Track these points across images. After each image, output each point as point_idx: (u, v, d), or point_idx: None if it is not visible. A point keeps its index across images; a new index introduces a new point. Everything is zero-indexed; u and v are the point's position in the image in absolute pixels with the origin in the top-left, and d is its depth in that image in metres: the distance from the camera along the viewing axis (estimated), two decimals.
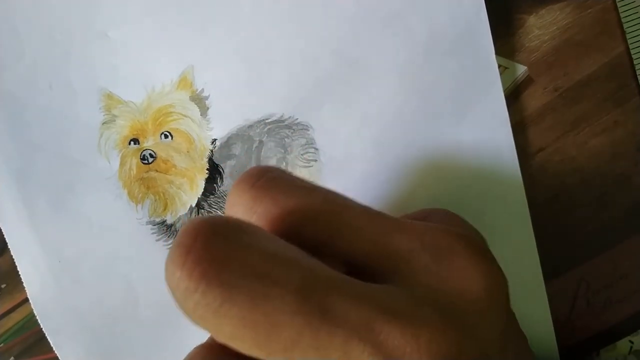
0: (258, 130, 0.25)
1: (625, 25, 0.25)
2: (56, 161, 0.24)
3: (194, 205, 0.25)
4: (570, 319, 0.26)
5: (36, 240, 0.24)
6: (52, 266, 0.24)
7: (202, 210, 0.25)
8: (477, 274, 0.15)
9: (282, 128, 0.25)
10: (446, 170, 0.25)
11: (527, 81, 0.25)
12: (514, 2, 0.25)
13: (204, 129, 0.25)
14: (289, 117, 0.24)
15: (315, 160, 0.25)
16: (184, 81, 0.24)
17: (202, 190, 0.25)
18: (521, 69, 0.25)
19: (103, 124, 0.24)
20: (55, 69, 0.24)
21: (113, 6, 0.24)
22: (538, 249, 0.25)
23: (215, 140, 0.25)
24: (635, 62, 0.25)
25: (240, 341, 0.12)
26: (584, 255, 0.26)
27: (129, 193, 0.25)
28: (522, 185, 0.25)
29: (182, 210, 0.25)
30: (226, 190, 0.25)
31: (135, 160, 0.25)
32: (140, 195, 0.25)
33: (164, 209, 0.25)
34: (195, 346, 0.14)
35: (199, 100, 0.24)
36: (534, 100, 0.25)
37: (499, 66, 0.24)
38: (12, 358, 0.26)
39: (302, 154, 0.25)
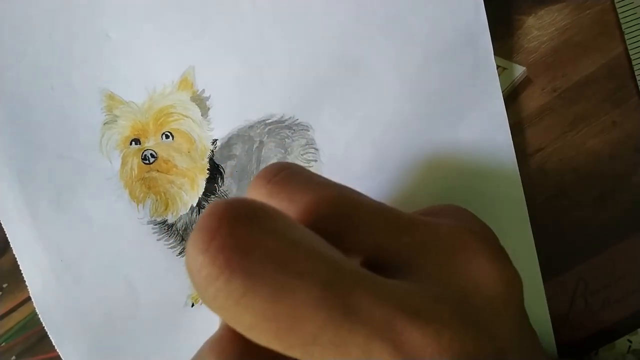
0: (258, 131, 0.25)
1: (623, 26, 0.25)
2: (58, 161, 0.24)
3: (195, 205, 0.25)
4: (568, 318, 0.26)
5: (38, 239, 0.24)
6: (54, 265, 0.25)
7: (203, 211, 0.25)
8: (493, 272, 0.15)
9: (283, 128, 0.25)
10: (445, 170, 0.25)
11: (526, 82, 0.25)
12: (513, 3, 0.25)
13: (204, 129, 0.25)
14: (290, 118, 0.25)
15: (315, 161, 0.25)
16: (185, 82, 0.24)
17: (203, 190, 0.25)
18: (520, 70, 0.25)
19: (104, 124, 0.25)
20: (57, 70, 0.24)
21: (114, 7, 0.24)
22: (537, 249, 0.25)
23: (216, 140, 0.25)
24: (633, 63, 0.25)
25: (259, 333, 0.12)
26: (583, 255, 0.26)
27: (130, 193, 0.25)
28: (521, 185, 0.25)
29: (183, 210, 0.25)
30: (227, 190, 0.25)
31: (136, 161, 0.25)
32: (141, 195, 0.25)
33: (165, 209, 0.25)
34: (204, 341, 0.14)
35: (200, 101, 0.25)
36: (532, 100, 0.25)
37: (498, 67, 0.24)
38: (13, 357, 0.26)
39: (302, 154, 0.25)
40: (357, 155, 0.25)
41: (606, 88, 0.25)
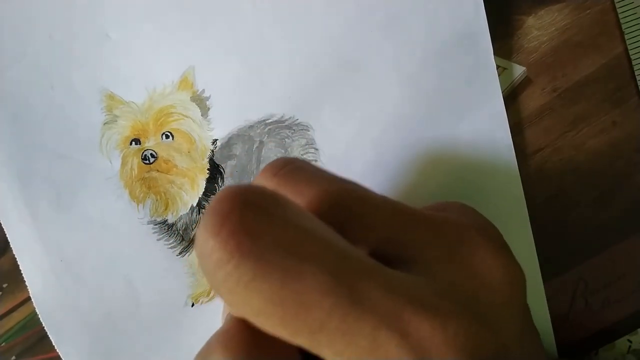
0: (259, 131, 0.25)
1: (623, 26, 0.25)
2: (58, 161, 0.24)
3: (195, 205, 0.25)
4: (568, 318, 0.26)
5: (38, 239, 0.24)
6: (54, 265, 0.25)
7: (204, 210, 0.25)
8: (497, 267, 0.15)
9: (283, 128, 0.25)
10: (445, 170, 0.25)
11: (526, 82, 0.25)
12: (513, 3, 0.25)
13: (204, 129, 0.25)
14: (289, 118, 0.25)
15: (316, 161, 0.25)
16: (185, 82, 0.24)
17: (203, 190, 0.25)
18: (520, 70, 0.25)
19: (104, 124, 0.25)
20: (57, 70, 0.24)
21: (114, 7, 0.24)
22: (537, 249, 0.25)
23: (216, 140, 0.25)
24: (633, 62, 0.25)
25: (267, 318, 0.12)
26: (583, 255, 0.26)
27: (130, 193, 0.25)
28: (521, 185, 0.25)
29: (183, 210, 0.25)
30: None
31: (136, 161, 0.25)
32: (141, 195, 0.25)
33: (165, 209, 0.25)
34: (210, 335, 0.14)
35: (200, 101, 0.25)
36: (532, 100, 0.25)
37: (498, 67, 0.24)
38: (13, 357, 0.26)
39: (302, 154, 0.25)
40: (357, 155, 0.25)
41: (606, 88, 0.25)
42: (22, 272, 0.25)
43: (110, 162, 0.25)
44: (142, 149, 0.25)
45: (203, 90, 0.24)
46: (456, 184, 0.25)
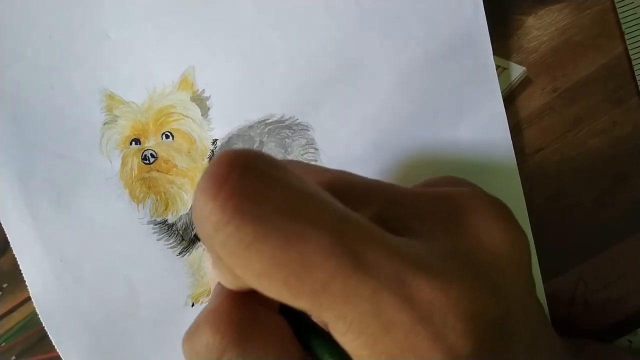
0: (259, 131, 0.25)
1: (623, 26, 0.25)
2: (58, 161, 0.24)
3: None
4: (568, 318, 0.26)
5: (38, 239, 0.24)
6: (54, 265, 0.25)
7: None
8: (502, 233, 0.14)
9: (283, 128, 0.25)
10: (445, 170, 0.25)
11: (526, 82, 0.25)
12: (513, 3, 0.25)
13: (204, 129, 0.25)
14: (290, 118, 0.25)
15: (316, 161, 0.25)
16: (185, 82, 0.24)
17: None
18: (520, 70, 0.25)
19: (104, 124, 0.25)
20: (57, 70, 0.24)
21: (115, 7, 0.24)
22: (537, 249, 0.25)
23: (216, 140, 0.25)
24: (633, 62, 0.25)
25: (268, 280, 0.11)
26: (583, 254, 0.26)
27: (130, 193, 0.25)
28: (521, 185, 0.25)
29: (183, 210, 0.25)
30: None
31: (136, 161, 0.25)
32: (141, 195, 0.25)
33: (165, 209, 0.25)
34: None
35: (200, 101, 0.25)
36: (532, 100, 0.25)
37: (498, 67, 0.24)
38: (13, 357, 0.26)
39: (302, 154, 0.25)
40: (357, 155, 0.25)
41: (606, 88, 0.25)
42: (22, 272, 0.25)
43: (110, 162, 0.25)
44: (142, 149, 0.25)
45: (203, 90, 0.24)
46: None
